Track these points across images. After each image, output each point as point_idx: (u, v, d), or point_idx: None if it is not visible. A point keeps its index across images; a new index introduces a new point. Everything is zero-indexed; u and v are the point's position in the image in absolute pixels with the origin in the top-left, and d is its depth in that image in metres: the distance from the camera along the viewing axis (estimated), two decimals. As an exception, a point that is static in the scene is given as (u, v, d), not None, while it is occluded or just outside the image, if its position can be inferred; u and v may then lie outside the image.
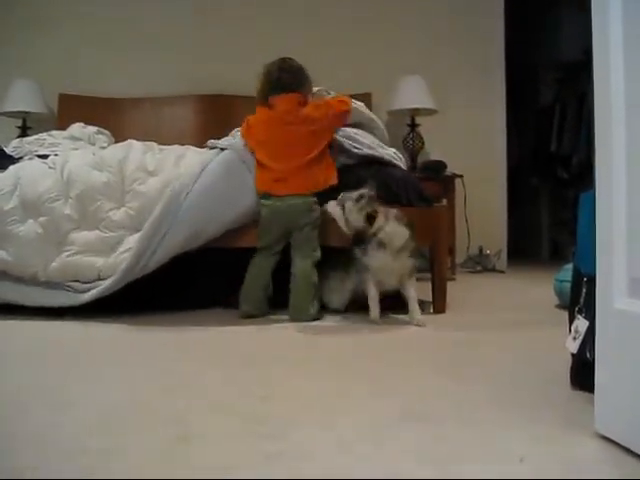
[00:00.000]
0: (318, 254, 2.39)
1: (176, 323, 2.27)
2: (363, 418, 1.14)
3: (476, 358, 1.72)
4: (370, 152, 2.55)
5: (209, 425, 1.11)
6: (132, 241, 2.40)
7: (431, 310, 2.49)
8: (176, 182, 2.38)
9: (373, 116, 2.84)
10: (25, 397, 1.30)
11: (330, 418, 1.15)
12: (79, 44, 4.60)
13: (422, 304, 2.48)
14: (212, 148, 2.60)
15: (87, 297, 2.36)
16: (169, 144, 2.88)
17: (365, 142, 2.58)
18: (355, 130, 2.64)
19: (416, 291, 2.27)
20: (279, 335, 2.08)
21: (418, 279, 2.34)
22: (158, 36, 4.63)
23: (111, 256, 2.41)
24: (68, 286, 2.42)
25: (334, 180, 2.42)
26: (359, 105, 2.76)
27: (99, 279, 2.40)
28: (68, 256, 2.41)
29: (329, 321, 2.31)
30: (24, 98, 4.28)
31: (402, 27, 4.76)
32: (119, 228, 2.44)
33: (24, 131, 4.31)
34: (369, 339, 2.01)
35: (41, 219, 2.43)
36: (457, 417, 1.15)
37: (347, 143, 2.54)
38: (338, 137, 2.53)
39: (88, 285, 2.40)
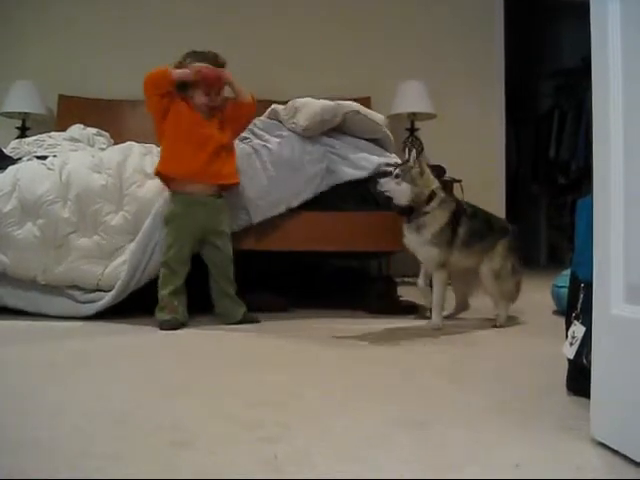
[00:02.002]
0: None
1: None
2: (362, 423, 1.14)
3: (473, 363, 1.71)
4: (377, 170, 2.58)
5: (207, 430, 1.10)
6: (129, 250, 2.40)
7: (428, 314, 2.48)
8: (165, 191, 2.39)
9: (377, 120, 2.82)
10: (22, 402, 1.29)
11: (329, 423, 1.14)
12: (79, 45, 4.60)
13: (419, 309, 2.49)
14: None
15: (88, 310, 2.37)
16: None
17: (374, 160, 2.61)
18: (363, 142, 2.65)
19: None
20: (276, 339, 2.07)
21: (412, 283, 2.34)
22: (158, 38, 4.63)
23: (110, 265, 2.41)
24: (68, 293, 2.41)
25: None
26: (368, 112, 2.75)
27: (98, 288, 2.41)
28: (68, 262, 2.40)
29: (328, 324, 2.31)
30: (23, 99, 4.29)
31: (402, 32, 4.77)
32: (117, 234, 2.44)
33: (23, 132, 4.31)
34: (367, 343, 2.01)
35: (39, 222, 2.41)
36: (454, 423, 1.15)
37: (355, 163, 2.57)
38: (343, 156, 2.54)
39: (88, 296, 2.41)
